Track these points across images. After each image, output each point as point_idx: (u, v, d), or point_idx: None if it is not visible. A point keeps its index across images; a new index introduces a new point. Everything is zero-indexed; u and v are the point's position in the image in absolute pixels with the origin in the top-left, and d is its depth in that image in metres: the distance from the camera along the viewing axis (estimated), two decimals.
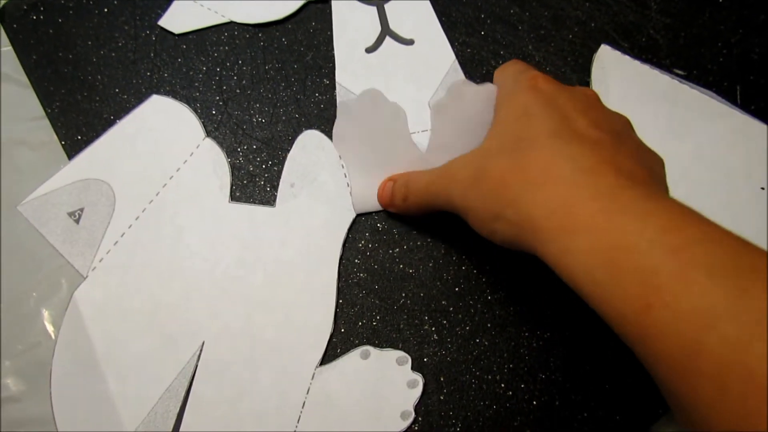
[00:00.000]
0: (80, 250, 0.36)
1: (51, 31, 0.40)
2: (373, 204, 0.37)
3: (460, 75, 0.40)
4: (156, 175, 0.37)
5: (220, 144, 0.38)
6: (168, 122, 0.39)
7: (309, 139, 0.38)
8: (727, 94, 0.38)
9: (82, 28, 0.41)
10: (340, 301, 0.35)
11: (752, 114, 0.38)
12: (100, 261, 0.35)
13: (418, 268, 0.35)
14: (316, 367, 0.34)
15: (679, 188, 0.36)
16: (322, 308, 0.35)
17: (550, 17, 0.41)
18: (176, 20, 0.41)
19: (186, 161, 0.38)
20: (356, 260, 0.36)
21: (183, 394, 0.33)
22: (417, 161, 0.36)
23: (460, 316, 0.34)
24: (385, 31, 0.41)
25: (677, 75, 0.39)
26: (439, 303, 0.34)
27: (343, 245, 0.36)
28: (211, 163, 0.38)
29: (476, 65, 0.39)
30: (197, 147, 0.38)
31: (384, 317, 0.34)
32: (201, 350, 0.34)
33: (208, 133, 0.38)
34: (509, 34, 0.40)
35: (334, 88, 0.39)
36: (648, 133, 0.37)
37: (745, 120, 0.38)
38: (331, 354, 0.34)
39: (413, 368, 0.33)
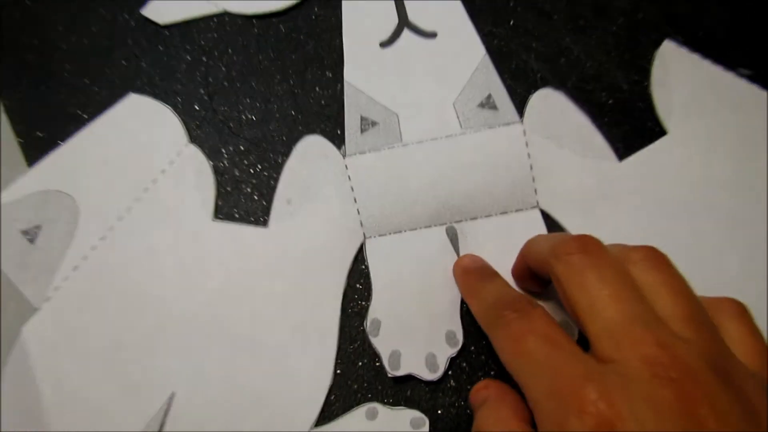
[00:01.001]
0: (33, 276, 0.30)
1: (17, 14, 0.35)
2: (386, 226, 0.30)
3: (492, 72, 0.33)
4: (128, 187, 0.31)
5: (202, 144, 0.32)
6: (146, 125, 0.33)
7: (310, 147, 0.32)
8: None
9: (52, 12, 0.35)
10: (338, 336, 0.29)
11: None
12: (56, 290, 0.29)
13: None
14: (311, 427, 0.27)
15: (755, 206, 0.30)
16: (321, 353, 0.28)
17: (590, 5, 0.34)
18: (162, 9, 0.35)
19: (164, 171, 0.31)
20: (358, 285, 0.29)
21: None
22: None
23: (483, 357, 0.28)
24: (403, 22, 0.34)
25: (742, 74, 0.32)
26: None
27: (348, 274, 0.30)
28: (193, 174, 0.32)
29: (504, 59, 0.33)
30: (178, 154, 0.32)
31: None
32: (170, 402, 0.28)
33: (191, 133, 0.32)
34: (543, 25, 0.34)
35: (337, 82, 0.33)
36: (719, 150, 0.30)
37: None
38: (326, 411, 0.28)
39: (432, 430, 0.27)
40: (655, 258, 0.22)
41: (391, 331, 0.29)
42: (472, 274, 0.27)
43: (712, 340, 0.19)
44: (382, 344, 0.29)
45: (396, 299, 0.29)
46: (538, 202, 0.31)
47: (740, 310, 0.22)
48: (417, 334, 0.29)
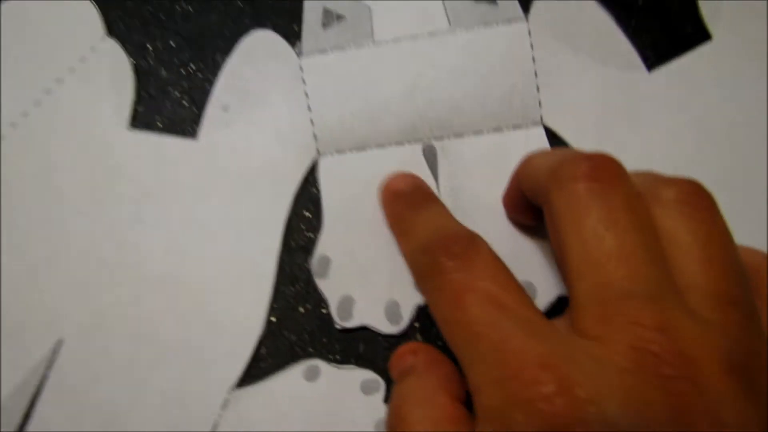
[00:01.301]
0: None
1: None
2: (347, 141, 0.24)
3: None
4: (26, 89, 0.25)
5: (124, 40, 0.25)
6: (54, 13, 0.26)
7: (258, 43, 0.25)
8: None
9: None
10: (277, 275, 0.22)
11: None
12: None
13: None
14: (232, 388, 0.21)
15: None
16: (252, 295, 0.22)
17: None
18: None
19: (73, 69, 0.25)
20: (305, 213, 0.23)
21: (20, 417, 0.21)
22: None
23: None
24: None
25: None
26: None
27: (295, 199, 0.23)
28: (108, 74, 0.25)
29: None
30: (92, 50, 0.25)
31: None
32: (56, 351, 0.21)
33: (110, 25, 0.26)
34: None
35: None
36: None
37: None
38: (254, 367, 0.21)
39: (388, 399, 0.21)
40: (695, 200, 0.16)
41: (343, 271, 0.22)
42: (403, 200, 0.21)
43: (742, 327, 0.14)
44: (330, 288, 0.22)
45: (352, 232, 0.23)
46: (542, 118, 0.24)
47: None
48: (376, 277, 0.22)
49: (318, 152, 0.24)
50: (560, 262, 0.16)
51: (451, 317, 0.15)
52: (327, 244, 0.23)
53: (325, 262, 0.22)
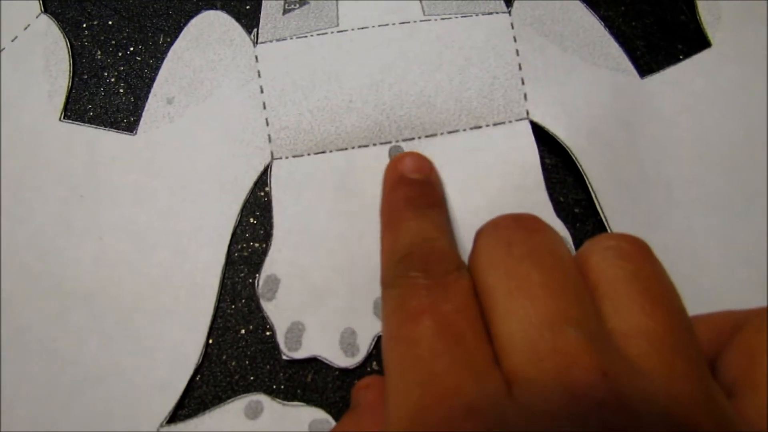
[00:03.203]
0: None
1: None
2: (305, 143, 0.21)
3: None
4: None
5: (59, 16, 0.23)
6: None
7: (208, 26, 0.23)
8: None
9: None
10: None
11: None
12: None
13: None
14: (162, 424, 0.19)
15: None
16: (189, 315, 0.20)
17: None
18: None
19: (4, 50, 0.22)
20: (252, 220, 0.20)
21: None
22: None
23: None
24: None
25: None
26: None
27: (243, 207, 0.21)
28: (42, 55, 0.22)
29: None
30: (24, 28, 0.23)
31: None
32: None
33: (45, 4, 0.23)
34: None
35: None
36: None
37: None
38: (188, 401, 0.19)
39: None
40: (631, 248, 0.14)
41: (293, 293, 0.20)
42: (407, 189, 0.19)
43: (691, 380, 0.12)
44: (277, 312, 0.20)
45: (306, 249, 0.20)
46: (528, 112, 0.21)
47: None
48: (331, 301, 0.20)
49: (272, 155, 0.21)
50: (484, 308, 0.14)
51: (398, 333, 0.13)
52: (276, 261, 0.20)
53: (274, 282, 0.20)
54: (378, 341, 0.19)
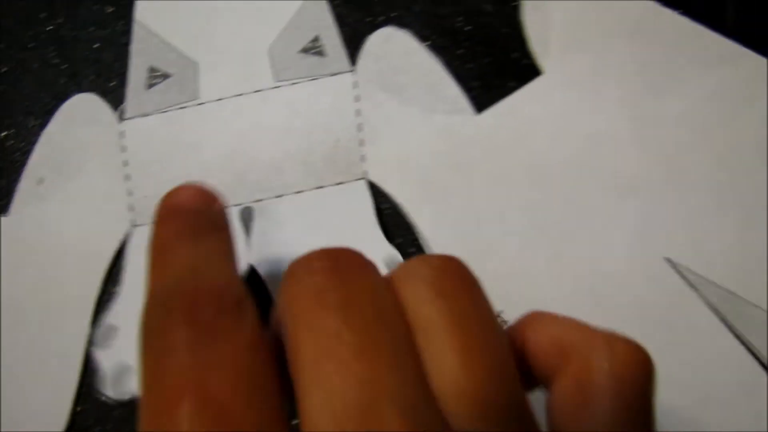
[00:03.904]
0: None
1: None
2: None
3: (323, 6, 0.25)
4: None
5: None
6: None
7: (78, 108, 0.24)
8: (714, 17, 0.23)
9: None
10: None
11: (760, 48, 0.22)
12: None
13: None
14: None
15: (654, 169, 0.22)
16: (57, 383, 0.21)
17: None
18: None
19: None
20: (115, 288, 0.22)
21: None
22: None
23: None
24: None
25: None
26: None
27: (106, 277, 0.22)
28: None
29: None
30: None
31: None
32: None
33: None
34: None
35: (121, 19, 0.25)
36: (613, 89, 0.22)
37: (762, 64, 0.22)
38: None
39: None
40: (444, 278, 0.13)
41: (128, 340, 0.21)
42: (179, 220, 0.15)
43: None
44: (107, 358, 0.21)
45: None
46: (366, 173, 0.23)
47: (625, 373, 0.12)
48: None
49: (132, 224, 0.23)
50: (290, 362, 0.12)
51: (154, 422, 0.11)
52: (118, 312, 0.22)
53: (110, 331, 0.21)
54: None
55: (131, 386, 0.20)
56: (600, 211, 0.22)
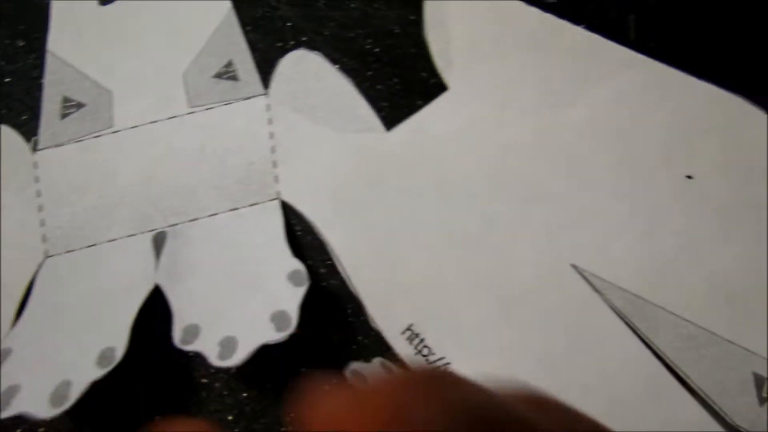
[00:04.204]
0: None
1: None
2: (78, 239, 0.23)
3: (236, 32, 0.25)
4: None
5: None
6: None
7: None
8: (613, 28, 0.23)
9: None
10: None
11: (659, 57, 0.23)
12: None
13: None
14: None
15: (559, 178, 0.22)
16: None
17: None
18: None
19: None
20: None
21: None
22: None
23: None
24: None
25: (547, 2, 0.24)
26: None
27: (21, 306, 0.22)
28: None
29: (249, 7, 0.25)
30: None
31: None
32: None
33: None
34: None
35: (32, 53, 0.25)
36: (517, 100, 0.23)
37: (660, 70, 0.23)
38: None
39: None
40: None
41: (20, 361, 0.21)
42: None
43: None
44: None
45: (45, 323, 0.22)
46: (279, 193, 0.23)
47: None
48: (54, 359, 0.21)
49: (46, 255, 0.23)
50: None
51: None
52: (15, 337, 0.21)
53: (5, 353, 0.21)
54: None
55: (14, 404, 0.20)
56: (508, 220, 0.22)
